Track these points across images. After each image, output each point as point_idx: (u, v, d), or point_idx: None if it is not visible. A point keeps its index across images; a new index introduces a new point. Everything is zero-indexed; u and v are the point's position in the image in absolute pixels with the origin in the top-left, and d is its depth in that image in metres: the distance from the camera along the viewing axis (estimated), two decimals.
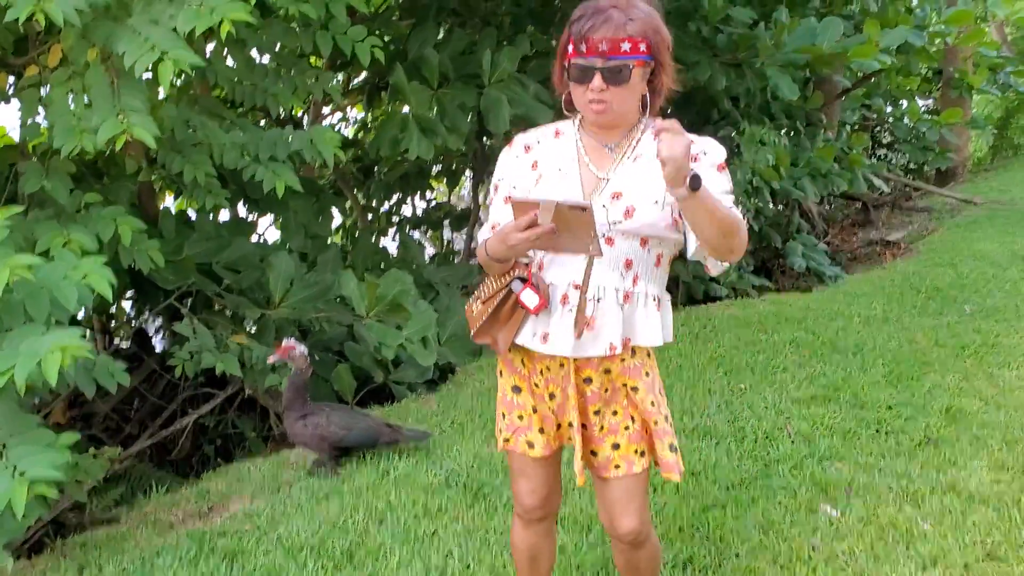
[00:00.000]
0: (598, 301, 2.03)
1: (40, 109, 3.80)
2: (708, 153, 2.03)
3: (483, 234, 2.15)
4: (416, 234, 10.20)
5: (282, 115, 8.84)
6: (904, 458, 3.75)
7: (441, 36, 7.06)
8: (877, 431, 4.04)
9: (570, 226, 1.86)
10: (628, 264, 2.03)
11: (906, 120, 11.60)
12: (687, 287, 7.77)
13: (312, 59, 6.97)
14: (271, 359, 3.81)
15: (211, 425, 5.55)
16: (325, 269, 5.85)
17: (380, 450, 3.91)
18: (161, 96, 4.34)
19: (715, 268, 2.09)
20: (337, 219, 10.78)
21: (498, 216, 2.12)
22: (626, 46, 1.91)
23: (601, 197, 2.02)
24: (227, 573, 2.96)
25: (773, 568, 2.91)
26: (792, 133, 8.79)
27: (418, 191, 10.09)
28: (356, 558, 3.03)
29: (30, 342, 2.78)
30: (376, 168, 9.38)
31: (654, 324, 2.07)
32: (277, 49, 4.94)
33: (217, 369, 4.62)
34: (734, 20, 7.27)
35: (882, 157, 13.41)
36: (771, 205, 8.27)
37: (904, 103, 11.93)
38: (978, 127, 12.68)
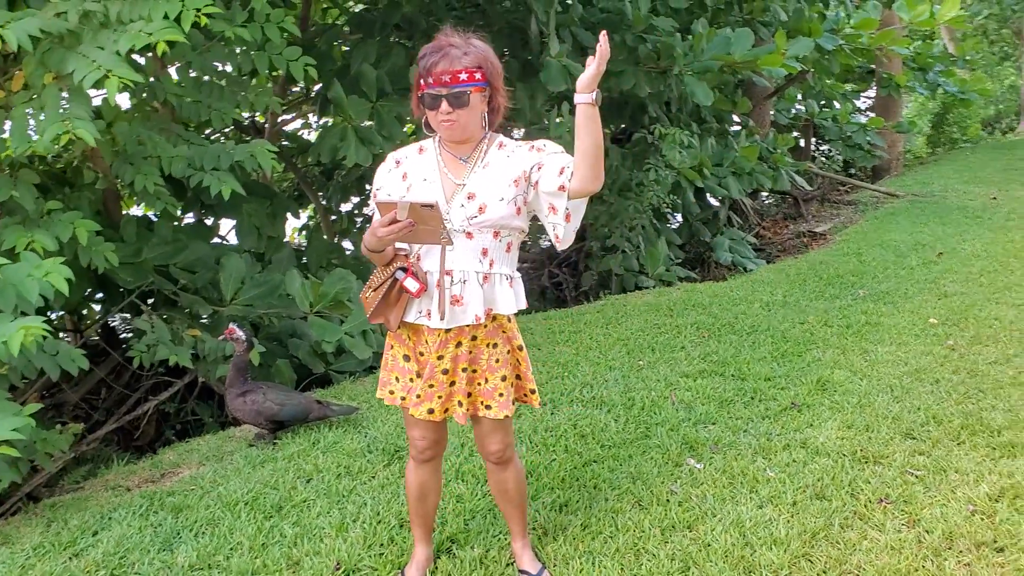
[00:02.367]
0: (464, 282, 2.58)
1: (5, 126, 4.32)
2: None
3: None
4: None
5: (245, 123, 9.38)
6: (769, 421, 4.32)
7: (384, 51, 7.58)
8: (751, 399, 4.62)
9: (424, 220, 2.40)
10: (484, 252, 2.59)
11: (835, 120, 12.25)
12: (620, 279, 8.35)
13: (268, 73, 7.51)
14: (220, 338, 4.35)
15: (172, 412, 6.07)
16: (279, 268, 6.37)
17: (313, 424, 4.46)
18: (113, 106, 4.85)
19: (566, 238, 2.64)
20: (302, 220, 11.34)
21: (378, 216, 2.66)
22: (464, 76, 2.46)
23: (458, 199, 2.57)
24: (173, 523, 3.48)
25: (635, 509, 3.47)
26: (720, 135, 9.40)
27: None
28: (283, 510, 3.56)
29: None
30: (336, 171, 9.91)
31: (508, 297, 2.64)
32: (221, 68, 5.44)
33: (171, 360, 5.14)
34: (658, 29, 7.83)
35: (824, 153, 14.11)
36: (694, 202, 8.86)
37: (837, 104, 12.55)
38: (903, 131, 13.34)
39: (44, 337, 3.50)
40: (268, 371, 5.65)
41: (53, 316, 6.46)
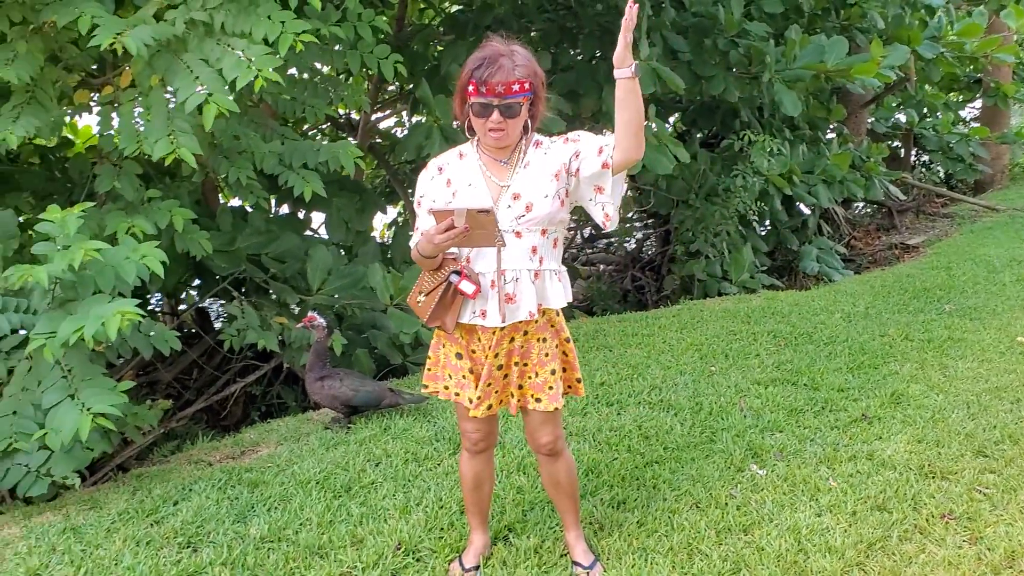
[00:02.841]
0: (516, 281, 2.68)
1: (114, 120, 4.61)
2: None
3: (414, 240, 2.79)
4: None
5: (340, 120, 9.69)
6: (837, 431, 4.29)
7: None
8: (822, 409, 4.59)
9: (480, 225, 2.52)
10: (534, 250, 2.69)
11: (936, 131, 11.89)
12: (703, 285, 8.32)
13: (362, 72, 7.76)
14: (297, 326, 4.55)
15: (259, 394, 6.35)
16: (364, 261, 6.59)
17: (385, 411, 4.63)
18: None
19: (615, 216, 2.72)
20: (391, 215, 11.62)
21: (424, 224, 2.74)
22: (516, 87, 2.56)
23: (505, 200, 2.67)
24: (249, 497, 3.68)
25: (691, 510, 3.51)
26: (813, 142, 9.26)
27: None
28: (352, 491, 3.72)
29: (97, 308, 3.56)
30: None
31: (558, 291, 2.75)
32: (319, 67, 5.68)
33: (259, 344, 5.39)
34: (751, 34, 7.78)
35: (925, 164, 13.71)
36: (781, 209, 8.76)
37: (939, 115, 12.18)
38: (1008, 142, 12.83)
39: (140, 320, 3.73)
40: (349, 360, 5.86)
41: (152, 299, 6.84)
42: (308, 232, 7.60)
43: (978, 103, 13.49)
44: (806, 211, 9.77)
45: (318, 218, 8.28)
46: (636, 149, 2.54)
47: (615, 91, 2.49)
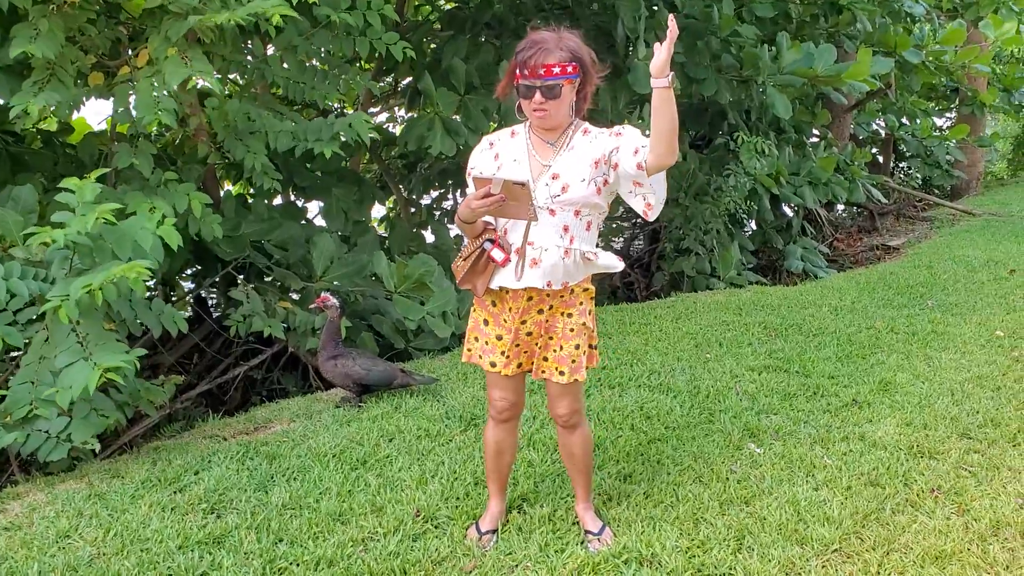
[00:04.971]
0: (544, 250, 2.84)
1: (130, 100, 4.71)
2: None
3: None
4: (455, 228, 11.02)
5: (334, 110, 9.79)
6: (829, 415, 4.48)
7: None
8: (814, 394, 4.78)
9: (515, 196, 2.67)
10: (566, 228, 2.85)
11: (915, 136, 12.22)
12: (691, 281, 8.52)
13: (362, 63, 7.87)
14: (310, 307, 4.68)
15: (259, 379, 6.45)
16: (363, 250, 6.71)
17: (396, 391, 4.76)
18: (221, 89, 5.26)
19: (657, 207, 2.88)
20: (382, 211, 11.73)
21: (472, 190, 2.93)
22: (556, 69, 2.72)
23: (544, 178, 2.84)
24: (267, 468, 3.81)
25: (695, 483, 3.67)
26: (798, 146, 9.51)
27: (459, 187, 10.93)
28: (368, 464, 3.86)
29: (108, 268, 3.69)
30: (419, 164, 10.27)
31: (584, 272, 2.91)
32: (324, 53, 5.80)
33: (264, 332, 5.49)
34: (742, 36, 7.98)
35: (904, 170, 14.03)
36: (769, 209, 8.99)
37: (918, 120, 12.50)
38: (984, 144, 13.20)
39: (151, 297, 3.85)
40: (354, 343, 5.97)
41: (149, 283, 6.91)
42: (303, 221, 7.71)
43: (954, 112, 13.82)
44: (790, 212, 9.99)
45: (312, 209, 8.40)
46: (669, 155, 2.68)
47: (652, 99, 2.63)
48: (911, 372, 5.12)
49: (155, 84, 4.35)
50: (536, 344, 2.97)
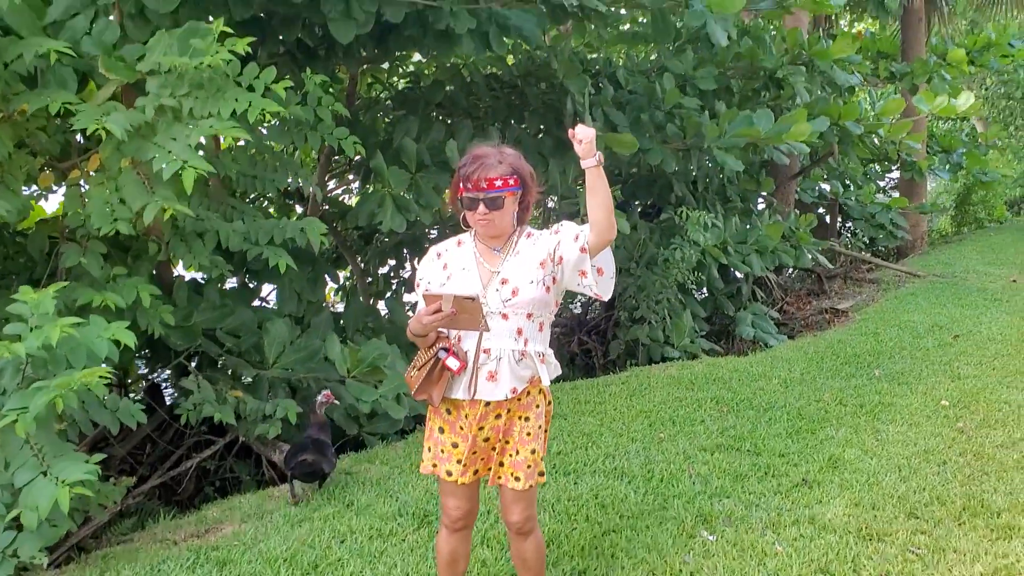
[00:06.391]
0: (499, 360, 2.89)
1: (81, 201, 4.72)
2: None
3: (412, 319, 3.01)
4: (412, 296, 11.04)
5: (290, 189, 9.84)
6: (780, 496, 4.53)
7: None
8: (765, 474, 4.83)
9: (465, 309, 2.74)
10: (519, 332, 2.92)
11: (859, 201, 12.60)
12: (646, 349, 8.61)
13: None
14: (319, 404, 4.84)
15: (212, 469, 6.37)
16: (317, 332, 6.70)
17: (345, 484, 4.74)
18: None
19: (606, 291, 2.98)
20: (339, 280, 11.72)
21: (422, 305, 2.99)
22: (499, 182, 2.83)
23: (494, 284, 2.92)
24: (218, 575, 3.76)
25: None
26: (744, 214, 9.74)
27: (416, 255, 11.00)
28: (319, 568, 3.82)
29: (62, 379, 3.66)
30: (375, 235, 10.33)
31: (542, 371, 2.97)
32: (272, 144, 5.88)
33: (216, 418, 5.46)
34: (684, 107, 8.21)
35: (850, 230, 14.38)
36: (718, 276, 9.18)
37: (861, 184, 12.88)
38: (925, 211, 13.64)
39: (108, 392, 3.82)
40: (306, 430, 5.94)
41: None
42: (256, 301, 7.68)
43: (897, 173, 14.24)
44: (740, 275, 10.17)
45: (266, 286, 8.38)
46: (609, 230, 2.83)
47: (586, 180, 2.80)
48: (860, 447, 5.21)
49: (108, 191, 4.37)
50: (493, 449, 3.01)
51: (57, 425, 4.19)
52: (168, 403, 6.90)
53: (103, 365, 3.91)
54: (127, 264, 5.39)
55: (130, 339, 4.01)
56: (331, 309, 8.84)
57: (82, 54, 4.31)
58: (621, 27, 8.97)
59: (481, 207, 2.86)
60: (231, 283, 7.45)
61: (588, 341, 9.99)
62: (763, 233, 9.17)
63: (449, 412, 3.01)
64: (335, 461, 4.85)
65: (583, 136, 2.76)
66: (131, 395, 7.15)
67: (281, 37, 6.30)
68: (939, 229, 16.41)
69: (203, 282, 6.68)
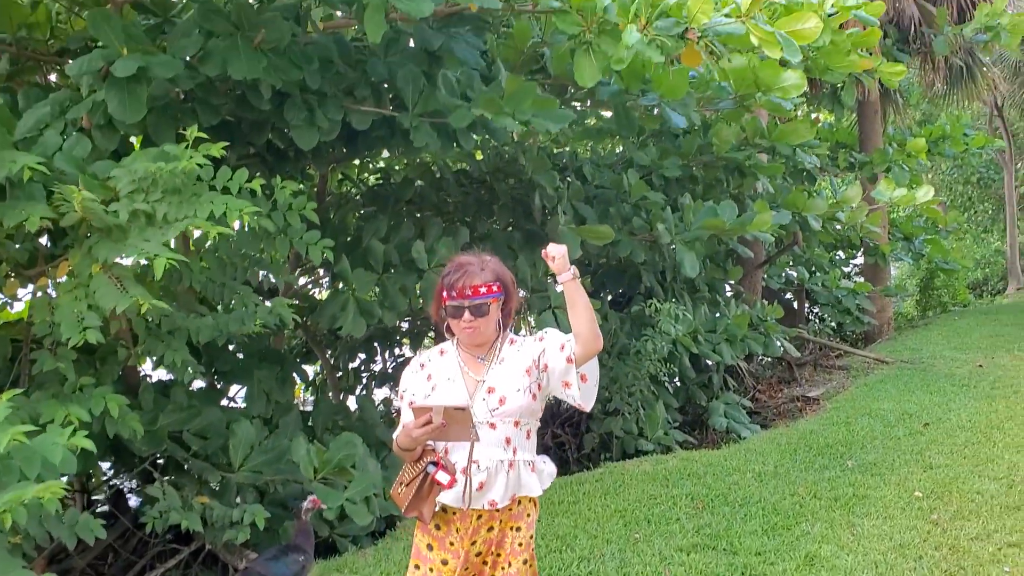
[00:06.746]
0: (488, 470, 2.88)
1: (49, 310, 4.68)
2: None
3: (397, 432, 2.98)
4: (383, 390, 10.96)
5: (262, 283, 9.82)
6: None
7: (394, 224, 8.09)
8: (742, 575, 4.77)
9: (455, 420, 2.74)
10: (508, 440, 2.91)
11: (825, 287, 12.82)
12: (620, 442, 8.56)
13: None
14: (306, 509, 4.79)
15: None
16: (286, 432, 6.60)
17: None
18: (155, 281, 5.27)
19: (588, 401, 2.97)
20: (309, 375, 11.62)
21: (407, 418, 2.97)
22: (483, 289, 2.86)
23: (480, 393, 2.91)
24: None
25: None
26: (712, 303, 9.85)
27: (387, 349, 10.95)
28: None
29: (12, 494, 3.55)
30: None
31: (532, 481, 2.95)
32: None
33: (182, 526, 5.32)
34: (649, 200, 8.37)
35: (818, 316, 14.56)
36: (689, 366, 9.23)
37: (827, 270, 13.13)
38: (890, 294, 13.88)
39: (64, 507, 3.72)
40: (276, 534, 5.81)
41: (63, 479, 6.67)
42: (224, 401, 7.57)
43: (861, 259, 14.51)
44: (711, 364, 10.20)
45: (233, 387, 8.28)
46: (594, 340, 2.85)
47: (565, 295, 2.84)
48: (835, 543, 5.16)
49: (78, 299, 4.34)
50: (484, 563, 2.95)
51: (11, 539, 4.07)
52: (133, 508, 6.73)
53: (61, 475, 3.82)
54: (95, 367, 5.34)
55: (90, 446, 3.93)
56: (300, 407, 8.72)
57: (53, 169, 4.34)
58: (586, 123, 9.16)
59: (467, 315, 2.87)
60: (198, 384, 7.36)
61: (562, 434, 9.90)
62: (731, 323, 9.26)
63: (439, 528, 2.96)
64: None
65: (555, 253, 2.82)
66: (94, 502, 6.97)
67: (250, 141, 6.39)
68: (904, 313, 16.65)
69: (169, 384, 6.59)
